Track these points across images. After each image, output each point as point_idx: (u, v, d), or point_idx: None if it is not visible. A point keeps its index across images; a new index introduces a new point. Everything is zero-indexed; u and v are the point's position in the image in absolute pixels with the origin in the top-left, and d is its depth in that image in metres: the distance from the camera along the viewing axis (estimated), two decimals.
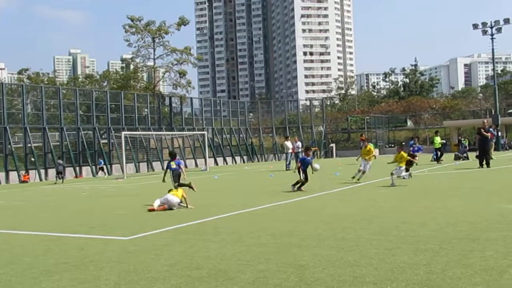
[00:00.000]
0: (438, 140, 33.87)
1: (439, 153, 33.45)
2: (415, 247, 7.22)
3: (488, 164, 23.97)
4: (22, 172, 39.00)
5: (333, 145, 64.39)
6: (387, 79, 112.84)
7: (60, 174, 35.07)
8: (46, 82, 72.94)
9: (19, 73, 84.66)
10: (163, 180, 16.03)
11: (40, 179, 38.70)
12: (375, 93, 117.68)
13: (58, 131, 44.70)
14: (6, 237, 10.60)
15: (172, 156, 16.39)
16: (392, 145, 63.44)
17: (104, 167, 44.08)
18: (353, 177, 19.64)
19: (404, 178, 18.03)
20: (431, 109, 77.46)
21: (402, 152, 18.34)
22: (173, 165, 15.66)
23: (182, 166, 16.40)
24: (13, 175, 38.87)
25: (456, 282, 5.42)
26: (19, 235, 10.73)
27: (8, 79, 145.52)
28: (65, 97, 47.71)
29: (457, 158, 33.51)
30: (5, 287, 6.21)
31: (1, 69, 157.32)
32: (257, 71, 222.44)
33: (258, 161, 60.90)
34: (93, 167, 44.01)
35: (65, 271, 6.89)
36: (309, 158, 17.61)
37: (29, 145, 41.08)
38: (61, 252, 8.38)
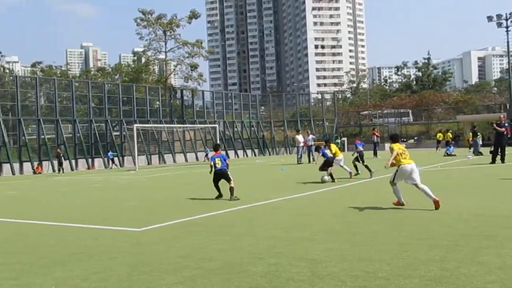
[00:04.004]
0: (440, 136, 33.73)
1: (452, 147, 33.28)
2: (428, 243, 7.17)
3: (503, 160, 23.69)
4: (36, 164, 39.28)
5: (344, 139, 64.20)
6: (399, 73, 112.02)
7: (61, 164, 35.42)
8: (59, 75, 73.25)
9: (33, 66, 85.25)
10: (210, 172, 14.25)
11: (53, 170, 38.93)
12: (387, 87, 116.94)
13: (71, 123, 44.95)
14: (19, 227, 10.67)
15: (215, 149, 14.66)
16: (404, 140, 63.11)
17: (116, 159, 44.15)
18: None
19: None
20: (444, 103, 76.88)
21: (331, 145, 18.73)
22: (218, 163, 13.79)
23: (227, 161, 14.28)
24: (26, 166, 39.18)
25: (470, 279, 5.36)
26: (32, 225, 10.81)
27: (22, 72, 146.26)
28: (78, 90, 47.91)
29: (477, 154, 32.93)
30: (19, 276, 6.25)
31: (15, 62, 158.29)
32: (268, 64, 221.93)
33: (270, 154, 60.87)
34: (105, 159, 44.20)
35: (78, 261, 6.93)
36: (326, 151, 18.07)
37: (42, 137, 41.32)
38: (74, 242, 8.43)
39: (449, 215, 9.55)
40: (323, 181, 17.36)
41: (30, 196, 18.57)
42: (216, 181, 13.77)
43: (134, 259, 6.90)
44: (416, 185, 10.67)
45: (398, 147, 10.92)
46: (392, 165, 10.71)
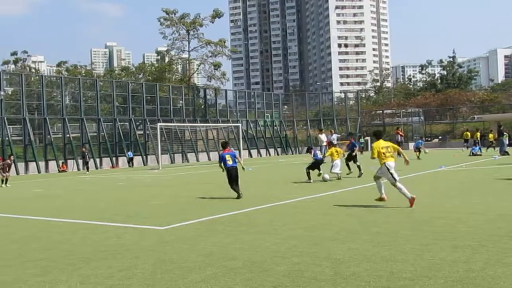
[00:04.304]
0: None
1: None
2: (453, 244, 7.10)
3: None
4: (61, 162, 39.77)
5: (368, 138, 63.79)
6: (423, 71, 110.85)
7: (86, 163, 35.81)
8: (83, 74, 74.15)
9: (58, 65, 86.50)
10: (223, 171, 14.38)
11: (78, 169, 39.38)
12: (411, 86, 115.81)
13: (95, 122, 45.43)
14: (45, 224, 10.83)
15: (224, 146, 14.60)
16: (429, 139, 62.50)
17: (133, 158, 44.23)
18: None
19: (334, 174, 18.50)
20: (469, 102, 75.92)
21: (333, 148, 19.13)
22: (229, 160, 13.73)
23: (238, 158, 14.22)
24: (52, 164, 39.68)
25: (496, 281, 5.30)
26: (57, 222, 10.96)
27: (47, 72, 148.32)
28: (102, 89, 48.34)
29: (504, 153, 32.47)
30: (45, 273, 6.34)
31: (41, 61, 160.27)
32: (291, 63, 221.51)
33: (292, 153, 60.75)
34: (125, 158, 44.47)
35: (103, 259, 7.02)
36: (317, 152, 19.36)
37: (68, 135, 41.82)
38: (98, 240, 8.53)
39: (473, 216, 9.44)
40: (324, 180, 18.02)
41: (55, 194, 18.81)
42: (230, 180, 13.74)
43: (158, 257, 6.96)
44: (393, 184, 11.01)
45: (381, 146, 11.23)
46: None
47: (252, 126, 58.59)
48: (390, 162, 11.16)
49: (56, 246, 8.18)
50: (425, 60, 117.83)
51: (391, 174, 11.01)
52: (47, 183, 25.72)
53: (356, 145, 19.92)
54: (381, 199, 11.40)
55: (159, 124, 40.04)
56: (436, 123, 69.70)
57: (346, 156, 19.81)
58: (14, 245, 8.35)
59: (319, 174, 18.65)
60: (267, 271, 5.99)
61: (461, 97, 76.62)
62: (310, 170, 18.51)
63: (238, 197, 13.51)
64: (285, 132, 62.96)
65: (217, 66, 63.37)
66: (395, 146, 12.01)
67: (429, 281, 5.35)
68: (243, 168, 14.00)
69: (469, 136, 41.08)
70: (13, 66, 79.29)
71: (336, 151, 18.76)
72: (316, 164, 18.81)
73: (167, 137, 45.28)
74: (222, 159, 13.92)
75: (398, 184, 10.95)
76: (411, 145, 60.14)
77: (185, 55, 65.32)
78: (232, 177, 13.69)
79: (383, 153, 11.13)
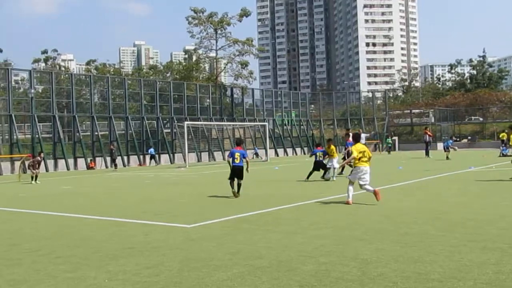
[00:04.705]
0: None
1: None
2: (482, 246, 6.99)
3: None
4: (89, 159, 40.29)
5: (395, 138, 63.22)
6: (452, 71, 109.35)
7: (113, 161, 36.21)
8: (112, 73, 74.90)
9: (87, 64, 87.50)
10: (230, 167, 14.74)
11: (106, 166, 39.84)
12: (440, 85, 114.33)
13: (123, 120, 45.89)
14: (74, 221, 10.97)
15: (238, 143, 15.03)
16: (458, 139, 61.67)
17: (157, 155, 44.52)
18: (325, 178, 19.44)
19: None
20: (499, 102, 74.66)
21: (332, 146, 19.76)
22: (237, 158, 13.98)
23: (247, 158, 14.32)
24: (80, 162, 40.23)
25: None
26: (86, 219, 11.10)
27: (77, 70, 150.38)
28: (130, 87, 48.82)
29: None
30: (74, 269, 6.42)
31: (70, 60, 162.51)
32: (319, 62, 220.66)
33: None
34: (156, 156, 44.82)
35: (130, 256, 7.08)
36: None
37: (96, 133, 42.33)
38: (126, 237, 8.61)
39: (504, 218, 9.29)
40: (327, 179, 18.83)
41: (84, 191, 19.06)
42: (232, 176, 13.91)
43: (185, 255, 7.00)
44: (362, 185, 11.80)
45: (359, 150, 11.78)
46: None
47: (278, 125, 58.55)
48: (363, 167, 11.79)
49: (85, 242, 8.28)
50: (455, 60, 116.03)
51: (363, 177, 11.77)
52: (76, 180, 26.07)
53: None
54: (347, 202, 11.79)
55: (186, 122, 40.28)
56: (465, 123, 68.75)
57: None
58: (45, 241, 8.48)
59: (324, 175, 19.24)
60: (294, 270, 5.98)
61: (491, 97, 75.37)
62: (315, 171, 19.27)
63: (235, 195, 13.71)
64: (312, 131, 62.78)
65: (244, 65, 63.37)
66: (370, 153, 12.32)
67: (458, 283, 5.27)
68: (247, 169, 13.99)
69: (506, 137, 40.39)
70: (43, 64, 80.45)
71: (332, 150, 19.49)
72: (318, 166, 19.47)
73: (194, 136, 45.53)
74: (231, 155, 14.16)
75: (366, 186, 11.77)
76: (440, 145, 59.51)
77: (213, 54, 65.51)
78: (235, 175, 13.88)
79: (359, 157, 11.76)
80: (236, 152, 14.03)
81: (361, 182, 11.78)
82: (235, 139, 15.80)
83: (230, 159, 14.12)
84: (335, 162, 19.16)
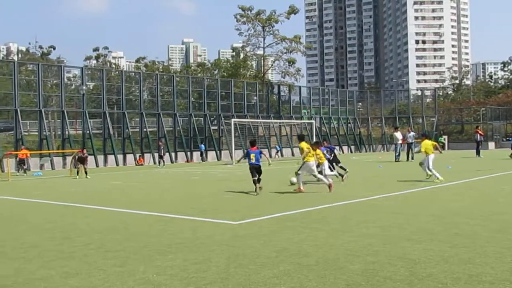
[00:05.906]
0: None
1: None
2: None
3: None
4: (138, 155, 41.00)
5: (445, 137, 61.95)
6: (505, 69, 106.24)
7: (161, 157, 36.65)
8: (161, 70, 76.04)
9: (137, 61, 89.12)
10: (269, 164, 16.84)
11: (154, 163, 40.46)
12: (492, 84, 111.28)
13: (171, 117, 46.51)
14: (123, 216, 11.20)
15: (252, 144, 15.85)
16: (510, 139, 59.90)
17: (203, 152, 44.87)
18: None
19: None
20: None
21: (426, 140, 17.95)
22: (252, 158, 15.01)
23: (264, 155, 15.74)
24: (129, 157, 40.98)
25: None
26: (135, 214, 11.30)
27: (127, 67, 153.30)
28: (178, 85, 49.46)
29: None
30: (123, 263, 6.55)
31: (120, 57, 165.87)
32: (367, 60, 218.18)
33: (366, 151, 59.94)
34: (203, 152, 45.28)
35: (178, 252, 7.17)
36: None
37: (145, 129, 43.06)
38: (174, 233, 8.73)
39: None
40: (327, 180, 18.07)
41: (132, 187, 19.42)
42: (252, 175, 14.92)
43: (232, 252, 7.04)
44: (314, 175, 14.65)
45: (307, 146, 14.66)
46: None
47: (325, 123, 58.21)
48: (310, 162, 14.49)
49: (134, 237, 8.43)
50: (508, 57, 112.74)
51: (312, 170, 14.54)
52: (125, 175, 26.58)
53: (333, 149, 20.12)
54: (300, 190, 14.32)
55: (233, 119, 40.52)
56: None
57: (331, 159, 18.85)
58: (96, 236, 8.67)
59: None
60: (341, 269, 5.94)
61: None
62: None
63: (256, 192, 14.46)
64: (359, 130, 62.15)
65: (291, 62, 63.32)
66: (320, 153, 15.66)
67: (510, 285, 5.14)
68: (269, 163, 16.74)
69: None
70: (94, 61, 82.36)
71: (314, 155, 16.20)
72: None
73: (241, 133, 45.75)
74: (247, 156, 15.36)
75: (318, 176, 14.67)
76: (491, 144, 57.99)
77: (260, 52, 65.77)
78: (253, 174, 14.85)
79: (308, 154, 14.46)
80: (252, 153, 15.15)
81: (311, 173, 14.53)
82: (249, 141, 16.72)
83: (247, 160, 15.38)
84: (327, 167, 17.72)
